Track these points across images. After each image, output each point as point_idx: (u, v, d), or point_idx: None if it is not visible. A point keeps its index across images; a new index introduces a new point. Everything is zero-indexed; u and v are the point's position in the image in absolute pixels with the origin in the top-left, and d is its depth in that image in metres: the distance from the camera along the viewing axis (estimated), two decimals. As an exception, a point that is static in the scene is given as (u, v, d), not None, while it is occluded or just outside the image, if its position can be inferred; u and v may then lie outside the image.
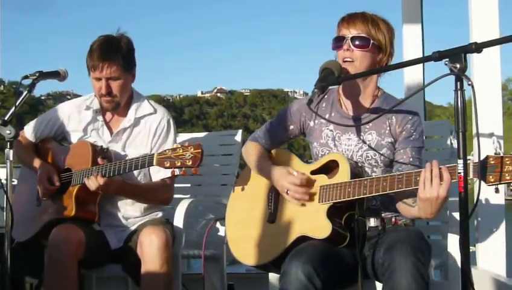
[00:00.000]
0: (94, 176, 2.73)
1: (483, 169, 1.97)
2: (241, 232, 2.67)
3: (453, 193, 2.94)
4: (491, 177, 1.95)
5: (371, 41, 2.41)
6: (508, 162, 1.92)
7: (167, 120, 3.03)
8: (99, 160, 2.82)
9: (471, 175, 1.99)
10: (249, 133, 2.87)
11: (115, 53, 2.88)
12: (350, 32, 2.43)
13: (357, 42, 2.42)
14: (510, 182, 1.93)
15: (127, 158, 2.81)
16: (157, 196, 3.01)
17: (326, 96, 2.61)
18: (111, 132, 3.02)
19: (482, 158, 2.00)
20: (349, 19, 2.46)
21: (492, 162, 1.96)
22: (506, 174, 1.91)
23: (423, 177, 2.11)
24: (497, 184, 1.95)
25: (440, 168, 2.09)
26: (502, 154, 1.97)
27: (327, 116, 2.55)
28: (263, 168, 2.64)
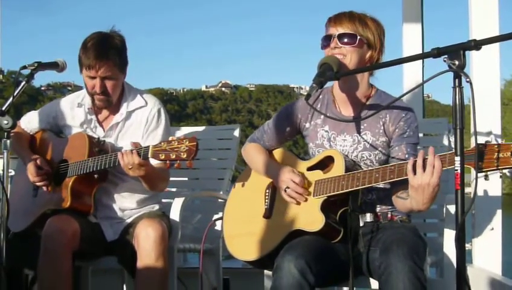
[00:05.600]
0: (130, 152, 2.62)
1: (473, 157, 1.97)
2: (237, 229, 2.67)
3: (450, 190, 2.94)
4: (480, 163, 1.95)
5: (358, 37, 2.42)
6: (497, 150, 1.92)
7: (157, 109, 3.00)
8: (134, 144, 2.68)
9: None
10: (254, 129, 2.88)
11: (111, 53, 2.83)
12: (337, 30, 2.44)
13: (344, 39, 2.42)
14: (499, 169, 1.94)
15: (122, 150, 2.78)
16: (161, 181, 2.94)
17: (321, 96, 2.61)
18: (104, 129, 3.00)
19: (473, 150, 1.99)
20: (335, 18, 2.47)
21: (482, 150, 1.96)
22: (495, 161, 1.92)
23: (414, 164, 2.11)
24: (487, 171, 1.95)
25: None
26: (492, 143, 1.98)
27: (322, 117, 2.55)
28: (267, 166, 2.64)
